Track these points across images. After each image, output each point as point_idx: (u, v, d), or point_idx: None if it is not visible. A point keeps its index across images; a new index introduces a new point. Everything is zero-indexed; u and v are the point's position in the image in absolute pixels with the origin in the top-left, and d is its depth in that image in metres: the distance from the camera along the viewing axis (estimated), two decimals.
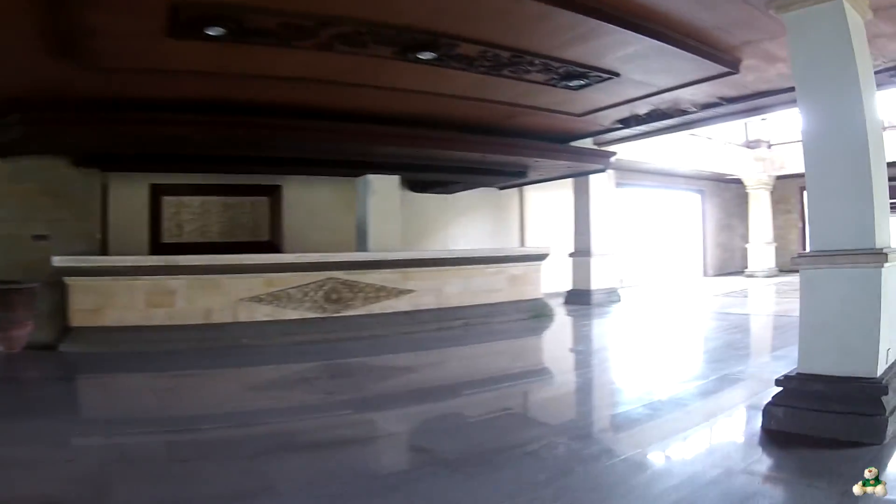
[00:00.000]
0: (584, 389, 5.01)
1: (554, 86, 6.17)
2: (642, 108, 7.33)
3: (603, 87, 6.29)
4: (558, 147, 8.71)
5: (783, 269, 15.88)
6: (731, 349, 6.27)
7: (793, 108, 7.64)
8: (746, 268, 15.95)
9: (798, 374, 3.56)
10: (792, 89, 6.58)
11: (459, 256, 8.23)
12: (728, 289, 12.83)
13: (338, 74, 5.50)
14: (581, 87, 6.19)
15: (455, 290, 7.87)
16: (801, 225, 17.03)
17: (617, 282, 11.38)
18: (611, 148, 9.45)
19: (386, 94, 6.14)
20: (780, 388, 3.58)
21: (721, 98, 6.76)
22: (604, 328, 8.42)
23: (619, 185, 13.71)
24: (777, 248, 16.07)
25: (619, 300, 10.66)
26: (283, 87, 5.84)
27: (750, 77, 6.01)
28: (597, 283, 10.45)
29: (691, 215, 16.78)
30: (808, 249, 3.60)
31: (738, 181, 16.05)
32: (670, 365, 5.79)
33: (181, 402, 4.52)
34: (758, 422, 3.52)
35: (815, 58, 3.58)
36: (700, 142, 13.94)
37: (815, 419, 3.30)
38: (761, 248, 15.85)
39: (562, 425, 4.00)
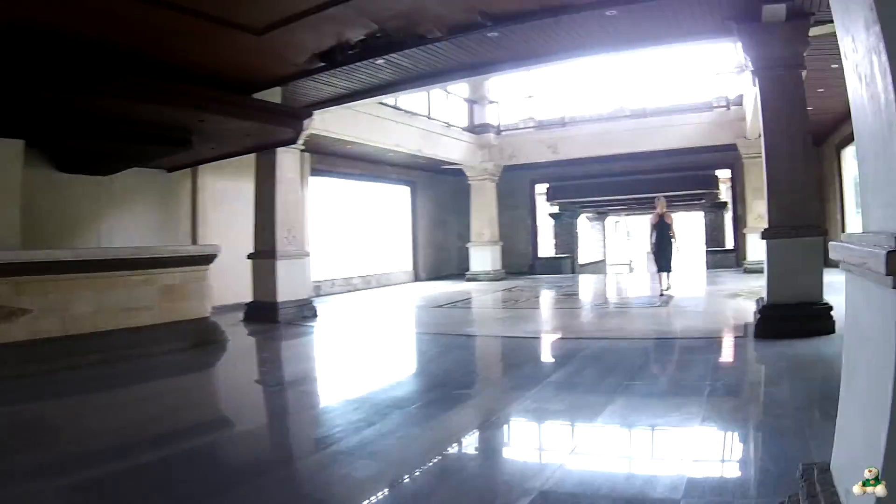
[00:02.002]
0: None
1: None
2: (357, 31, 4.93)
3: None
4: (233, 98, 6.15)
5: (511, 272, 14.96)
6: (509, 407, 4.34)
7: (590, 56, 6.03)
8: (467, 270, 14.48)
9: None
10: (599, 5, 4.88)
11: (89, 259, 5.80)
12: (450, 296, 11.07)
13: None
14: None
15: (88, 308, 5.63)
16: (529, 222, 16.33)
17: (312, 291, 9.50)
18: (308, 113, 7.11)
19: None
20: None
21: (485, 15, 4.69)
22: (294, 366, 5.94)
23: (315, 172, 11.73)
24: (504, 248, 14.81)
25: (316, 316, 8.60)
26: None
27: None
28: (285, 293, 8.31)
29: (400, 211, 15.20)
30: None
31: (457, 172, 14.67)
32: (415, 457, 3.04)
33: None
34: None
35: None
36: (418, 122, 12.47)
37: None
38: (486, 248, 14.43)
39: None
